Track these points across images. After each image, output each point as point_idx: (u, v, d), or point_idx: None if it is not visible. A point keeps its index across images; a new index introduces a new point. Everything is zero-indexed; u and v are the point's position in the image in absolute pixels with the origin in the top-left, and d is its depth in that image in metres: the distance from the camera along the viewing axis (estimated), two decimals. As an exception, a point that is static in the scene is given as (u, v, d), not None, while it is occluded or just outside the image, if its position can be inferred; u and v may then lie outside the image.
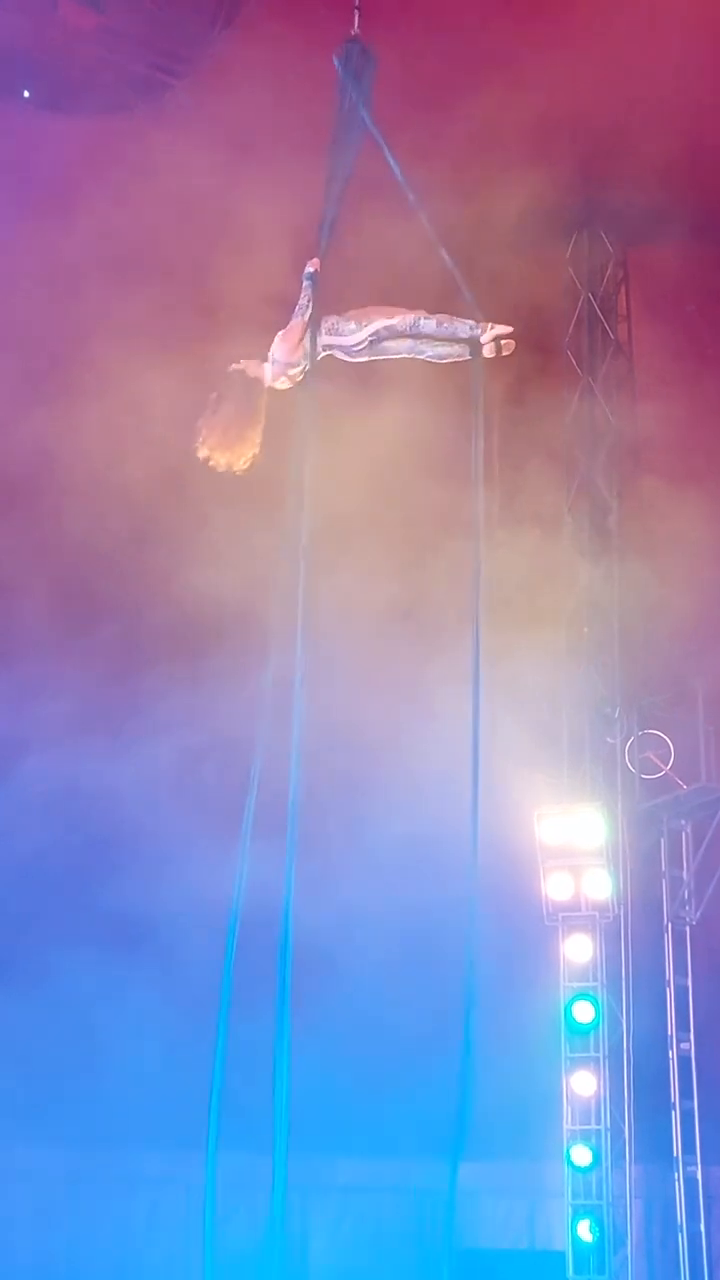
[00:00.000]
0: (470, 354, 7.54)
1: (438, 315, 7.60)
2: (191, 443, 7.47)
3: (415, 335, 7.58)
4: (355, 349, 7.63)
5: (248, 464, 7.49)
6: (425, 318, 7.59)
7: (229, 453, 7.48)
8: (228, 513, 11.64)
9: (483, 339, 7.50)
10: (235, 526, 11.28)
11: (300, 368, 7.50)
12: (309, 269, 7.52)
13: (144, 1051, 13.48)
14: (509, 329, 7.55)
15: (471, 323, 7.53)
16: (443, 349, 7.63)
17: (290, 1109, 6.54)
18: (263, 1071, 6.59)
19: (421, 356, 7.69)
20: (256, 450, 7.48)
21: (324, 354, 7.54)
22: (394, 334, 7.59)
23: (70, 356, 13.10)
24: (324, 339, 7.50)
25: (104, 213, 12.89)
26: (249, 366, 7.58)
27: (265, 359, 7.57)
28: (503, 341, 7.55)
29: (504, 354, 7.55)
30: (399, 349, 7.67)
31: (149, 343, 12.49)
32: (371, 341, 7.60)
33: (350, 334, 7.58)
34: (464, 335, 7.54)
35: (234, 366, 7.59)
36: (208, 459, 7.48)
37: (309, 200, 7.57)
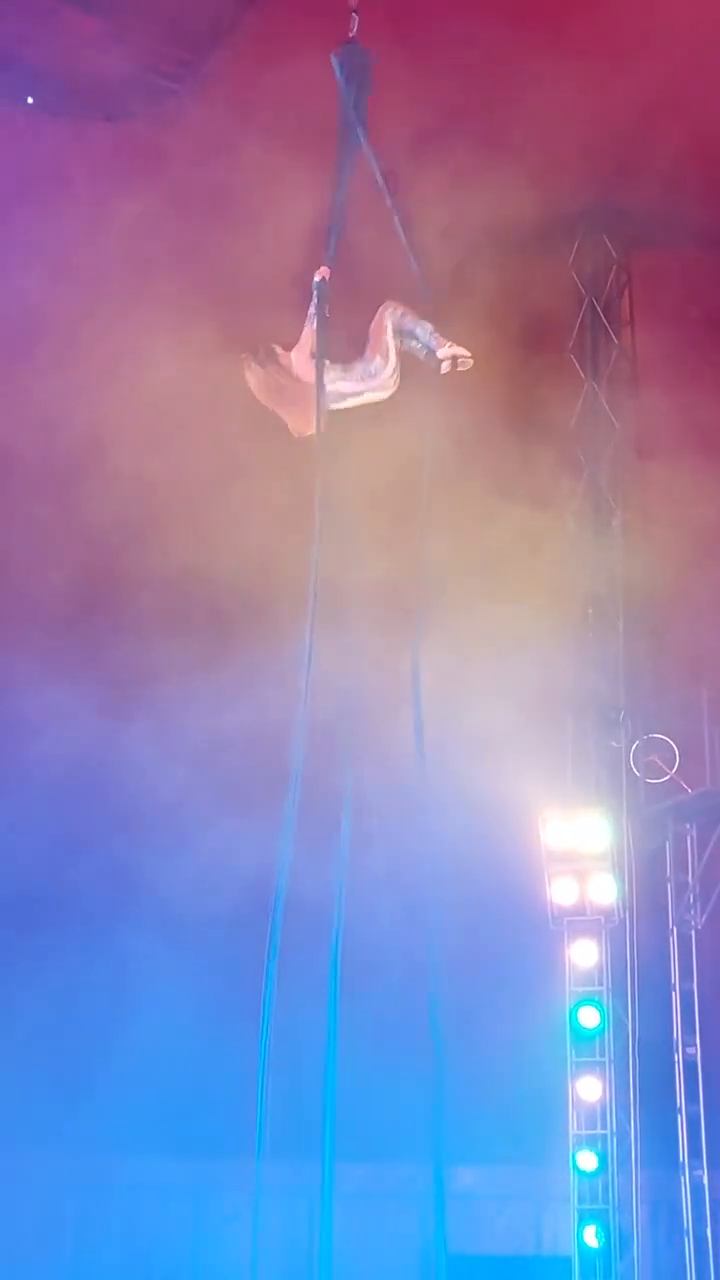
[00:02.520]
0: (425, 358, 7.51)
1: (411, 312, 7.55)
2: (216, 425, 7.46)
3: (404, 334, 7.54)
4: (389, 379, 7.55)
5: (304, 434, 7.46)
6: (392, 310, 7.51)
7: (295, 416, 7.46)
8: (252, 496, 11.65)
9: (439, 352, 7.45)
10: (262, 509, 11.29)
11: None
12: (317, 278, 7.46)
13: (149, 1055, 13.48)
14: (468, 353, 7.50)
15: (437, 338, 7.46)
16: (423, 350, 7.60)
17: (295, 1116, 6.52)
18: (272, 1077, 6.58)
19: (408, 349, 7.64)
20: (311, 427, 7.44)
21: (358, 399, 7.49)
22: (401, 334, 7.55)
23: (85, 346, 13.10)
24: (355, 386, 7.44)
25: (110, 210, 12.93)
26: (283, 357, 7.54)
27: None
28: (460, 359, 7.50)
29: (459, 369, 7.51)
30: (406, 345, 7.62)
31: (163, 334, 12.52)
32: (397, 364, 7.55)
33: (381, 371, 7.51)
34: (421, 347, 7.50)
35: (277, 349, 7.55)
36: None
37: (314, 200, 7.55)
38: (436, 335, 7.48)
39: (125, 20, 12.99)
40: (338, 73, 7.53)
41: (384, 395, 7.63)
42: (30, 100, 13.46)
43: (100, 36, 13.07)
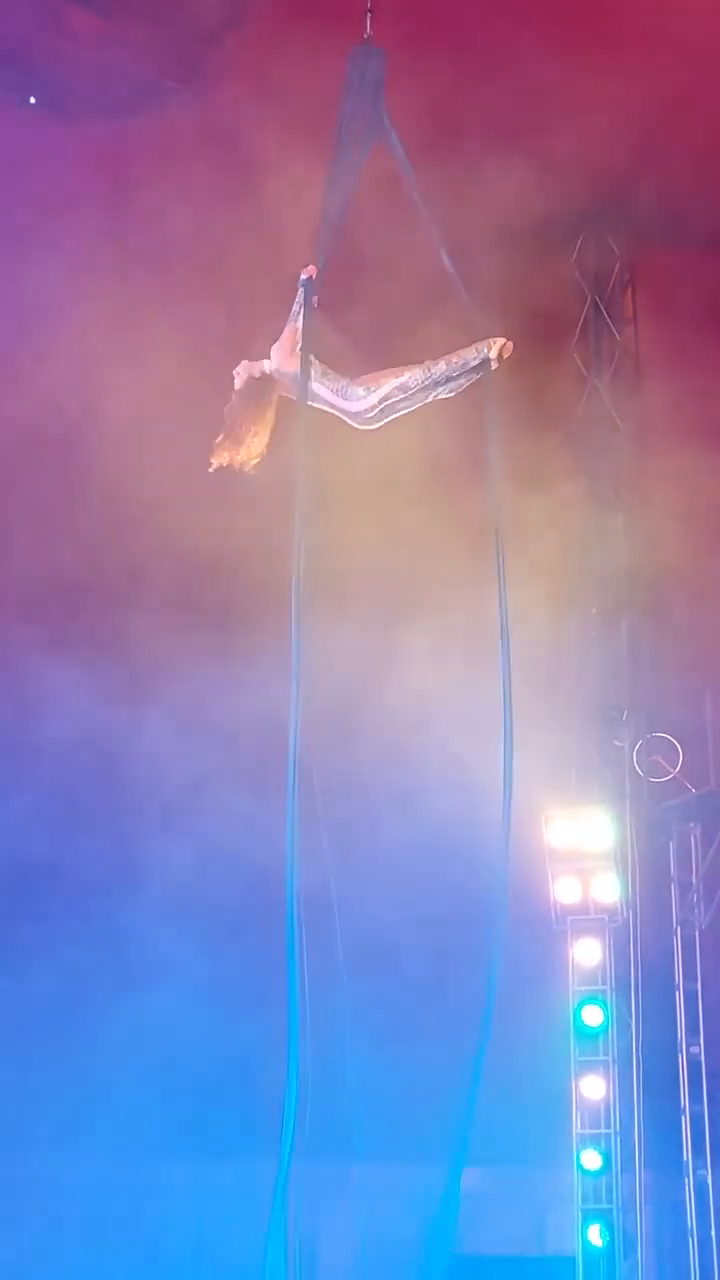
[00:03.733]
0: (480, 373, 7.46)
1: (445, 357, 7.48)
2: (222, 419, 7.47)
3: (428, 386, 7.45)
4: (365, 415, 7.49)
5: (258, 461, 7.47)
6: (433, 364, 7.45)
7: (241, 451, 7.47)
8: (267, 482, 11.67)
9: (491, 356, 7.42)
10: (276, 495, 11.32)
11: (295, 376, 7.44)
12: (304, 275, 7.50)
13: (155, 1052, 13.47)
14: (506, 339, 7.48)
15: (478, 348, 7.43)
16: (455, 383, 7.52)
17: (299, 1113, 6.51)
18: (271, 1076, 6.56)
19: (434, 397, 7.57)
20: (263, 450, 7.46)
21: (327, 408, 7.47)
22: (407, 392, 7.48)
23: (98, 337, 13.11)
24: (327, 395, 7.40)
25: (114, 209, 12.96)
26: (253, 368, 7.56)
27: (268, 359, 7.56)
28: (504, 349, 7.46)
29: (506, 357, 7.48)
30: (411, 404, 7.55)
31: (173, 326, 12.55)
32: (383, 408, 7.49)
33: (359, 399, 7.45)
34: (475, 363, 7.45)
35: (238, 369, 7.58)
36: (222, 462, 7.48)
37: (320, 197, 7.58)
38: (477, 346, 7.41)
39: (128, 19, 12.99)
40: (352, 75, 7.50)
41: (356, 426, 7.55)
42: (33, 100, 13.46)
43: (103, 35, 13.06)
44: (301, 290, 7.47)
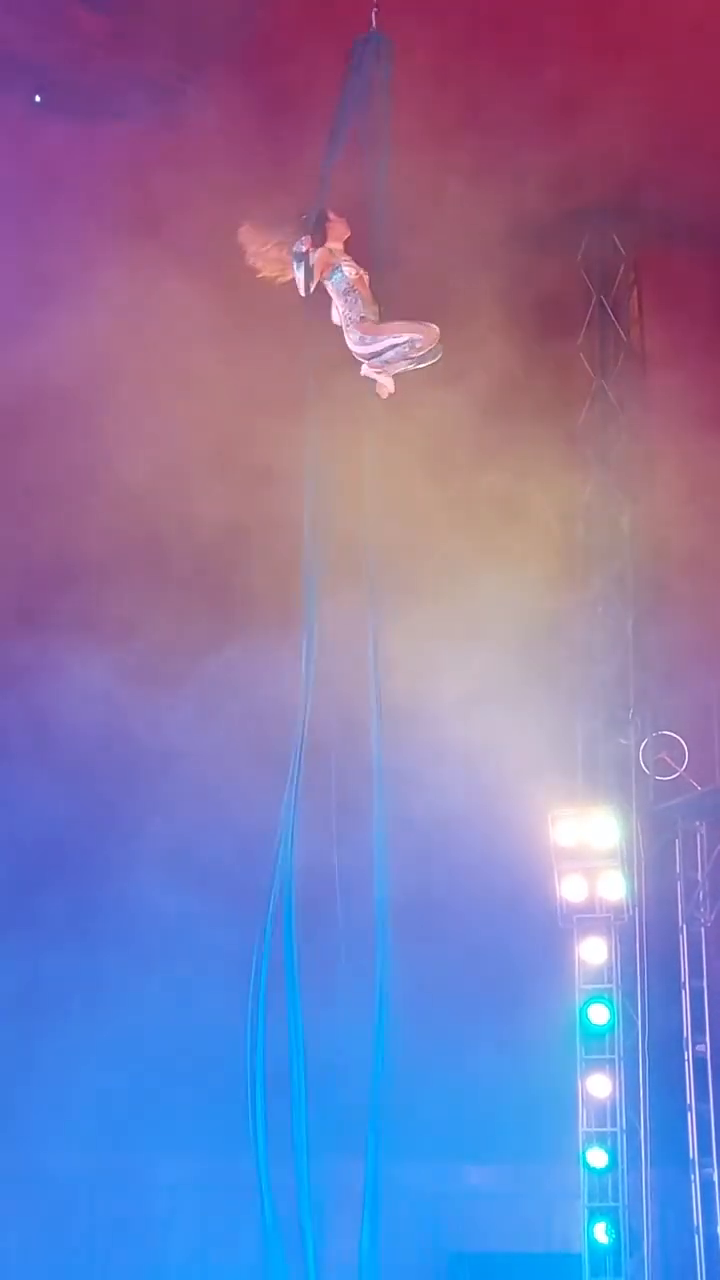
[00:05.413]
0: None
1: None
2: (245, 397, 7.66)
3: (404, 355, 7.65)
4: (361, 355, 7.75)
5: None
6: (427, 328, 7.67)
7: (269, 269, 7.72)
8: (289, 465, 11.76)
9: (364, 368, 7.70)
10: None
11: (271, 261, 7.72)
12: (301, 248, 7.77)
13: (153, 1055, 13.48)
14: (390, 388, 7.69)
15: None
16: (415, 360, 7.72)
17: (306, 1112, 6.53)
18: (280, 1069, 6.57)
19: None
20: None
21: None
22: (399, 355, 7.65)
23: (108, 328, 13.16)
24: (341, 316, 7.68)
25: (118, 210, 13.00)
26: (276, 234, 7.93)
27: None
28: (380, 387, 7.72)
29: (431, 361, 7.67)
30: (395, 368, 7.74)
31: (185, 316, 12.61)
32: (377, 363, 7.69)
33: (357, 343, 7.74)
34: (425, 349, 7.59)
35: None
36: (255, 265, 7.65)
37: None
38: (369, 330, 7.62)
39: (134, 19, 13.00)
40: (354, 65, 7.61)
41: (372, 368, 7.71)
42: (38, 99, 13.48)
43: (109, 35, 13.08)
44: (295, 261, 7.75)
